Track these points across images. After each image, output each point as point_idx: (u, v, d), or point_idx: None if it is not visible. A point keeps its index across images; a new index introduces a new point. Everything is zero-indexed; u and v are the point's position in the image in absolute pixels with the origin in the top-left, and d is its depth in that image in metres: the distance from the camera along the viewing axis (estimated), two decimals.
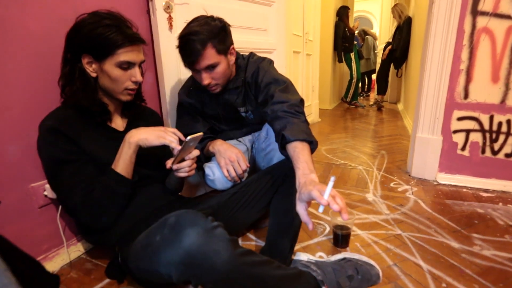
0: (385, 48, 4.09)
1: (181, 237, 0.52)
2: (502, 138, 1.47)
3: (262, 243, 1.09)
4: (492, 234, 1.13)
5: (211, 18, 0.99)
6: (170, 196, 0.97)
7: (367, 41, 5.11)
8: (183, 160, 0.86)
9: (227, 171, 1.00)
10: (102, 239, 0.88)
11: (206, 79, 0.99)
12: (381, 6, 6.18)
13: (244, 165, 1.01)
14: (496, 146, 1.49)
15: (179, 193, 1.10)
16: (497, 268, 0.94)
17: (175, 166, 0.85)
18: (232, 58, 1.05)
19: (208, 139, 1.14)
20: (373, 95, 5.95)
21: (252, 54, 1.15)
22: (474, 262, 0.97)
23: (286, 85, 1.01)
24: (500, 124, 1.46)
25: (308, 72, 3.02)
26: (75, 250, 1.01)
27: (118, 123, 0.93)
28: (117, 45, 0.77)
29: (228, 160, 1.01)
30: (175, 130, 0.86)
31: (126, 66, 0.80)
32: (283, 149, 0.87)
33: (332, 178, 0.63)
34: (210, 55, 0.95)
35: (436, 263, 0.97)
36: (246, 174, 1.06)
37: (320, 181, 0.72)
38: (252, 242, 1.10)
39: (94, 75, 0.81)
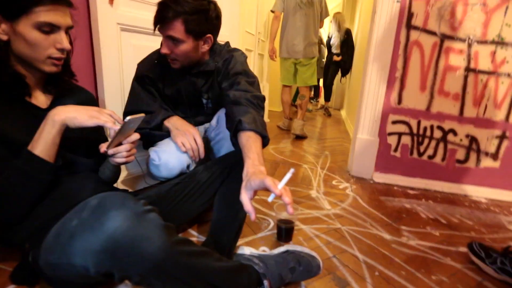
0: (328, 58, 4.37)
1: (104, 220, 0.44)
2: (426, 141, 1.65)
3: (204, 239, 1.03)
4: (417, 226, 1.24)
5: None
6: (101, 187, 0.85)
7: (322, 49, 5.32)
8: (120, 144, 0.76)
9: (182, 143, 0.97)
10: (9, 236, 0.73)
11: (165, 48, 0.96)
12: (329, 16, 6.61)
13: (200, 141, 0.99)
14: (422, 149, 1.67)
15: (113, 185, 0.99)
16: (420, 256, 1.03)
17: (110, 151, 0.75)
18: (204, 46, 1.01)
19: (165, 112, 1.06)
20: (321, 100, 6.26)
21: (228, 43, 1.15)
22: (402, 251, 1.05)
23: (254, 81, 1.01)
24: (425, 128, 1.64)
25: (260, 72, 3.04)
26: None
27: (40, 99, 0.78)
28: (35, 1, 0.64)
29: (183, 133, 0.98)
30: (112, 112, 0.75)
31: (48, 29, 0.68)
32: (235, 136, 0.83)
33: (291, 170, 0.62)
34: (176, 29, 0.91)
35: (370, 253, 1.02)
36: (190, 163, 1.00)
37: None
38: (193, 238, 1.04)
39: (4, 37, 0.67)
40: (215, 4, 0.98)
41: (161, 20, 0.91)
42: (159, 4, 0.92)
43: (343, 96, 5.12)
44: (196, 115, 1.17)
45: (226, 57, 1.06)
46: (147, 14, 1.24)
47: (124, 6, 1.18)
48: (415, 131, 1.65)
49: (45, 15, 0.66)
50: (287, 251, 0.85)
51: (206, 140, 1.17)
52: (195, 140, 0.99)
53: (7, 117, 0.68)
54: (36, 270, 0.68)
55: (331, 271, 0.92)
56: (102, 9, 1.10)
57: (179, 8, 0.89)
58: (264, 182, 0.62)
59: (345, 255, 1.01)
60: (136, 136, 0.78)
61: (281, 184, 0.62)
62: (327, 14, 2.72)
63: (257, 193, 0.69)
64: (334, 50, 4.23)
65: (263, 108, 0.96)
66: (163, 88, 1.09)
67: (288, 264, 0.79)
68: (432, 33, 1.51)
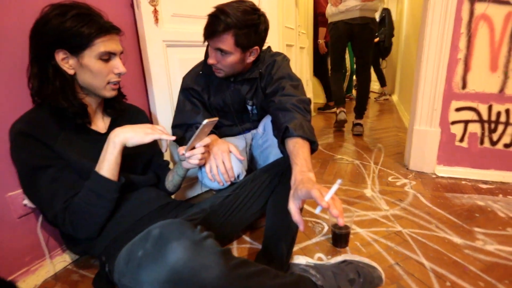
0: None
1: (166, 252, 0.47)
2: (501, 128, 1.44)
3: (257, 245, 1.04)
4: (494, 228, 1.10)
5: (253, 10, 0.94)
6: (160, 200, 0.91)
7: None
8: (194, 147, 0.85)
9: (210, 169, 0.92)
10: (88, 249, 0.83)
11: (212, 58, 0.97)
12: None
13: (228, 164, 0.92)
14: (495, 137, 1.46)
15: (172, 195, 1.06)
16: (501, 264, 0.91)
17: (188, 153, 0.83)
18: (250, 58, 1.01)
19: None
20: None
21: (269, 48, 1.14)
22: (477, 258, 0.94)
23: (298, 83, 1.00)
24: (499, 114, 1.43)
25: (302, 66, 2.96)
26: (61, 260, 0.95)
27: (100, 124, 0.86)
28: (94, 35, 0.70)
29: (213, 158, 0.93)
30: (163, 127, 0.80)
31: (107, 57, 0.75)
32: (282, 143, 0.82)
33: (338, 181, 0.59)
34: (226, 42, 0.91)
35: (439, 260, 0.93)
36: (240, 173, 1.01)
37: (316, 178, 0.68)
38: (247, 244, 1.06)
39: (71, 72, 0.74)
40: (265, 16, 0.97)
41: (212, 34, 0.91)
42: (210, 16, 0.92)
43: (393, 81, 4.74)
44: (243, 122, 1.17)
45: (269, 62, 1.05)
46: (189, 27, 1.28)
47: (168, 23, 1.23)
48: (485, 117, 1.45)
49: (104, 45, 0.73)
50: (344, 261, 0.82)
51: (252, 147, 1.17)
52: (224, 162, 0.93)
53: (73, 145, 0.77)
54: (112, 280, 0.76)
55: (395, 281, 0.86)
56: (148, 30, 1.16)
57: (229, 21, 0.88)
58: (310, 193, 0.60)
59: (409, 262, 0.93)
60: (208, 139, 0.85)
61: (328, 196, 0.59)
62: None
63: (305, 201, 0.67)
64: None
65: (309, 112, 0.93)
66: (209, 98, 1.11)
67: (347, 276, 0.76)
68: (504, 2, 1.30)
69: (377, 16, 3.81)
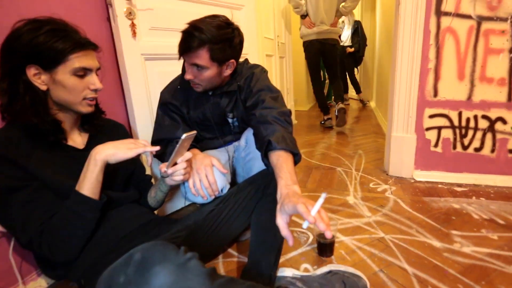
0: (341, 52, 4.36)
1: (149, 277, 0.46)
2: (470, 133, 1.52)
3: (244, 258, 1.03)
4: (469, 230, 1.15)
5: (227, 25, 0.94)
6: (142, 217, 0.88)
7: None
8: (176, 163, 0.83)
9: (193, 184, 0.92)
10: (66, 273, 0.78)
11: (189, 74, 0.97)
12: None
13: (212, 178, 0.92)
14: (466, 141, 1.54)
15: (155, 210, 1.03)
16: (478, 265, 0.95)
17: (170, 170, 0.82)
18: (227, 71, 1.01)
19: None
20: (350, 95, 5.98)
21: (246, 61, 1.15)
22: (456, 260, 0.97)
23: (278, 95, 1.01)
24: (468, 120, 1.51)
25: (282, 75, 3.01)
26: (35, 286, 0.90)
27: (77, 140, 0.83)
28: (68, 50, 0.69)
29: (196, 171, 0.92)
30: (146, 141, 0.79)
31: (82, 73, 0.73)
32: (265, 156, 0.83)
33: (323, 195, 0.60)
34: (202, 57, 0.92)
35: (420, 265, 0.96)
36: (224, 186, 1.00)
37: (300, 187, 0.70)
38: (234, 258, 1.05)
39: (44, 88, 0.71)
40: (238, 30, 0.98)
41: (187, 49, 0.92)
42: (184, 33, 0.92)
43: (370, 88, 4.91)
44: (224, 135, 1.17)
45: (247, 75, 1.06)
46: (167, 40, 1.28)
47: (146, 36, 1.22)
48: (456, 123, 1.53)
49: (78, 61, 0.71)
50: (330, 272, 0.83)
51: (234, 160, 1.17)
52: (207, 176, 0.93)
53: (49, 163, 0.73)
54: None
55: None
56: (126, 43, 1.15)
57: (203, 37, 0.89)
58: (296, 208, 0.61)
59: (392, 268, 0.95)
60: (189, 155, 0.84)
61: (314, 210, 0.60)
62: None
63: (292, 216, 0.67)
64: (346, 43, 4.27)
65: (290, 123, 0.94)
66: (188, 112, 1.11)
67: (333, 286, 0.76)
68: (467, 16, 1.39)
69: (348, 30, 4.11)
